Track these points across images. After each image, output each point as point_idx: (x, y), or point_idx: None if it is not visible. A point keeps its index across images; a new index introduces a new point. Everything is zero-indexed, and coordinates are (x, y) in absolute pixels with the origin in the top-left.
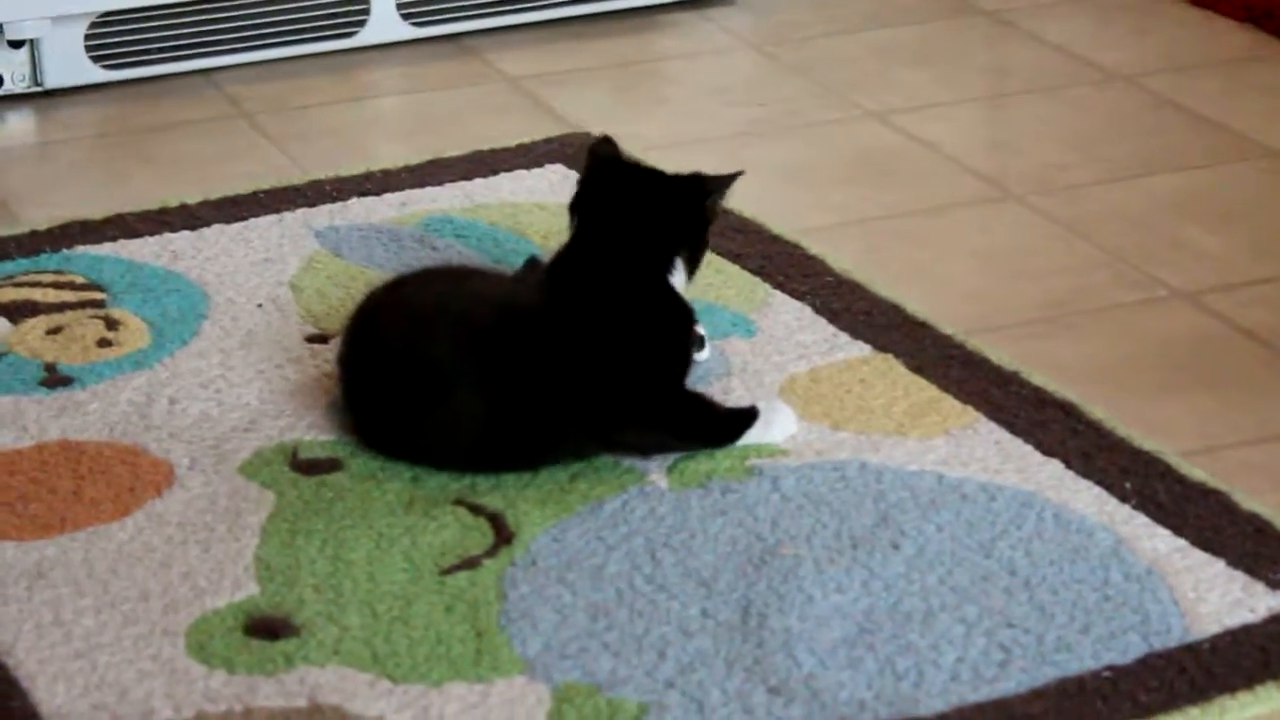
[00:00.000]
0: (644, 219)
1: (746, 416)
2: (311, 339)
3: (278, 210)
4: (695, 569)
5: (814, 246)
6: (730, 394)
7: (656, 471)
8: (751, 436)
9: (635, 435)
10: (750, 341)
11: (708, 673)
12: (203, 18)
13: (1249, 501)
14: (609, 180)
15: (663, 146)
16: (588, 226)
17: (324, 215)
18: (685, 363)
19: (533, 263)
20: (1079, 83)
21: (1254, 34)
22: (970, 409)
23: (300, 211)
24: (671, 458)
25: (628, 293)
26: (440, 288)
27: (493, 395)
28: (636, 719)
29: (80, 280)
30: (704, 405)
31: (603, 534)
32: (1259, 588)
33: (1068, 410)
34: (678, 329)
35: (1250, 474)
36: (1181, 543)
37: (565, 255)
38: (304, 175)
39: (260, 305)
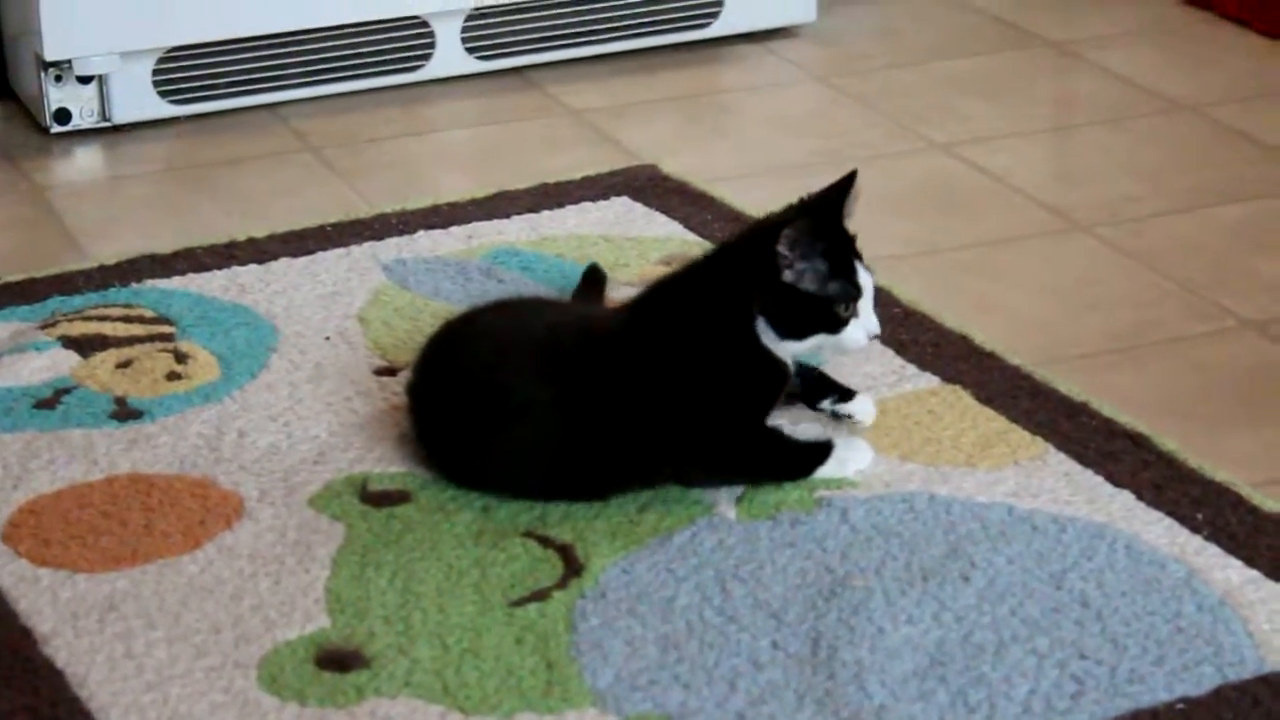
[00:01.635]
0: (720, 257)
1: (821, 451)
2: (380, 371)
3: (344, 244)
4: (765, 601)
5: (881, 278)
6: (798, 426)
7: (725, 503)
8: (826, 471)
9: (706, 470)
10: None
11: (779, 705)
12: (269, 52)
13: None
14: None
15: (727, 178)
16: (684, 264)
17: (391, 248)
18: (758, 407)
19: (592, 271)
20: (1144, 113)
21: None
22: (1039, 440)
23: (367, 245)
24: (741, 489)
25: (701, 330)
26: (516, 318)
27: (568, 423)
28: None
29: (149, 314)
30: (778, 440)
31: (672, 565)
32: None
33: (1138, 441)
34: (750, 374)
35: None
36: (1254, 574)
37: (652, 288)
38: (370, 209)
39: (328, 338)
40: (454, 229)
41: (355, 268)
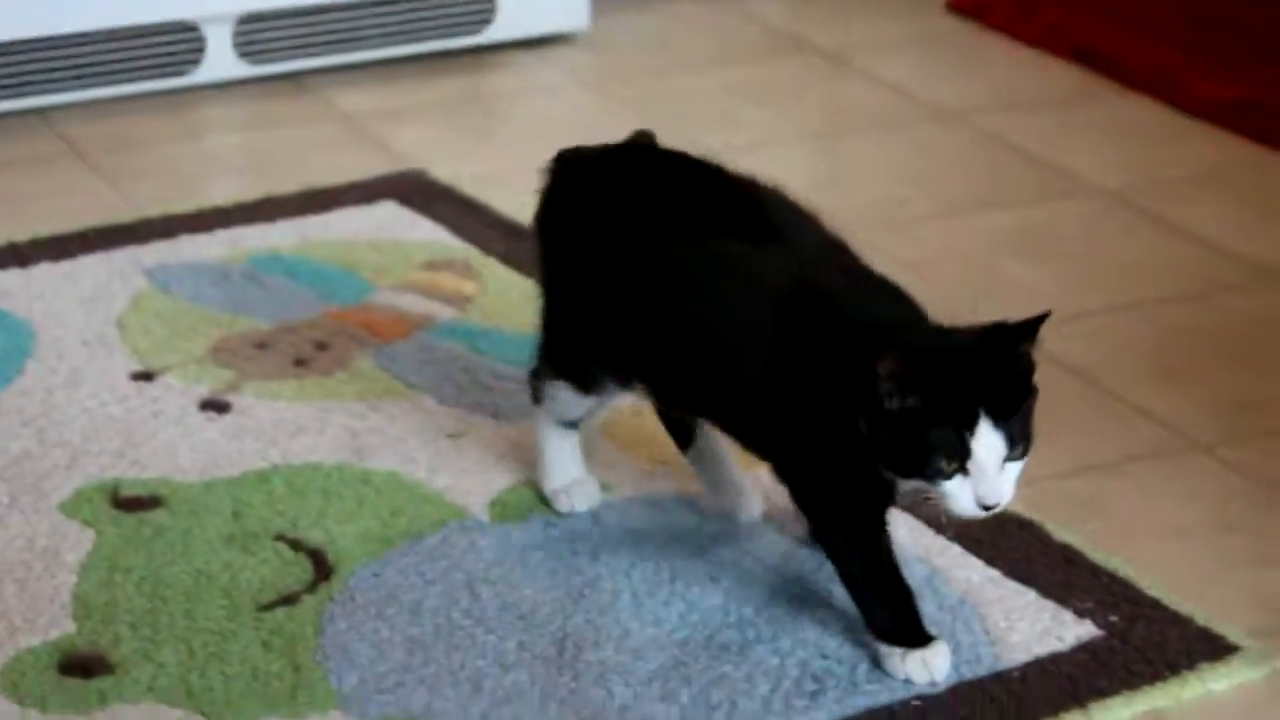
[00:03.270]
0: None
1: (920, 636)
2: (136, 376)
3: (106, 248)
4: (513, 603)
5: None
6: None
7: (478, 506)
8: (908, 665)
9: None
10: None
11: (523, 705)
12: (35, 54)
13: (1061, 532)
14: None
15: (494, 183)
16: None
17: (153, 253)
18: (854, 502)
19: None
20: (912, 120)
21: (1083, 72)
22: None
23: (129, 249)
24: (494, 491)
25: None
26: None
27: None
28: None
29: None
30: (886, 570)
31: (422, 568)
32: (1068, 616)
33: None
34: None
35: (1062, 505)
36: (994, 573)
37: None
38: (135, 213)
39: (86, 343)
40: (218, 233)
41: (116, 272)
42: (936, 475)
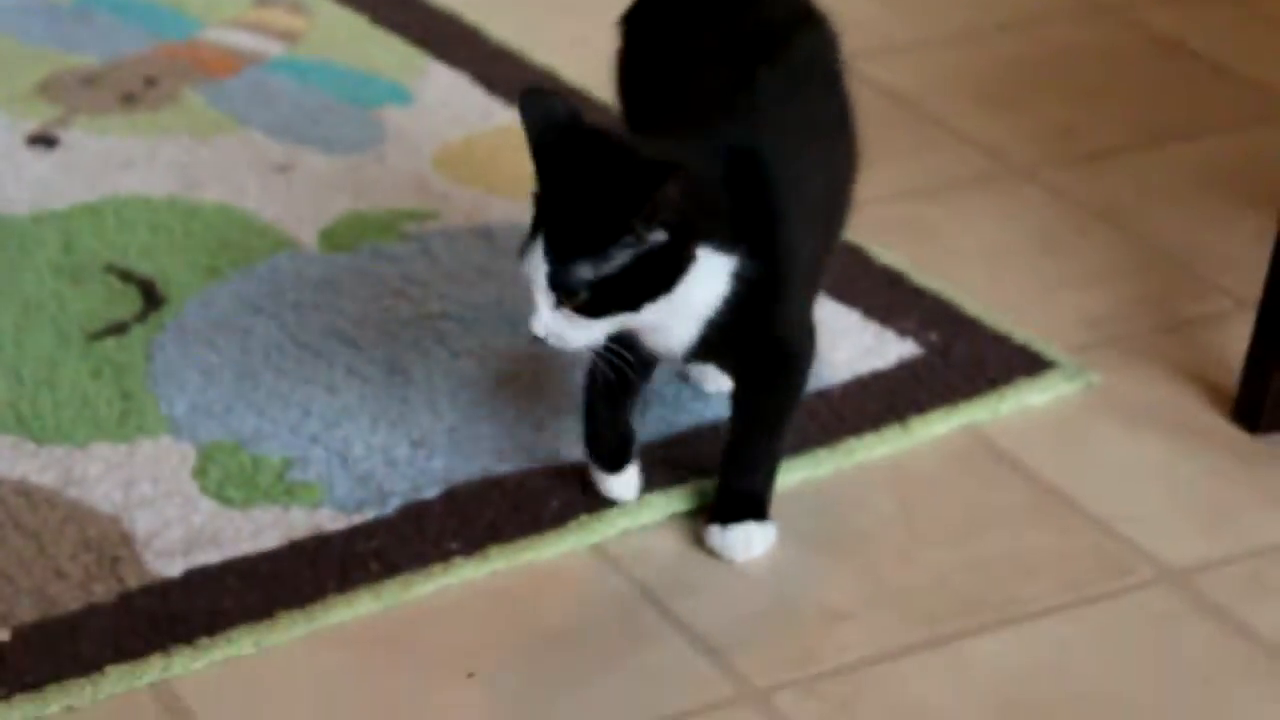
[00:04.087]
0: None
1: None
2: None
3: None
4: (342, 329)
5: (471, 16)
6: (385, 161)
7: (307, 236)
8: (734, 536)
9: None
10: (406, 109)
11: (352, 427)
12: None
13: (884, 255)
14: None
15: None
16: None
17: None
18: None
19: None
20: None
21: None
22: None
23: None
24: (323, 221)
25: None
26: None
27: None
28: (280, 473)
29: None
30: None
31: (252, 297)
32: (890, 336)
33: None
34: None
35: (886, 229)
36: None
37: None
38: None
39: None
40: None
41: None
42: None
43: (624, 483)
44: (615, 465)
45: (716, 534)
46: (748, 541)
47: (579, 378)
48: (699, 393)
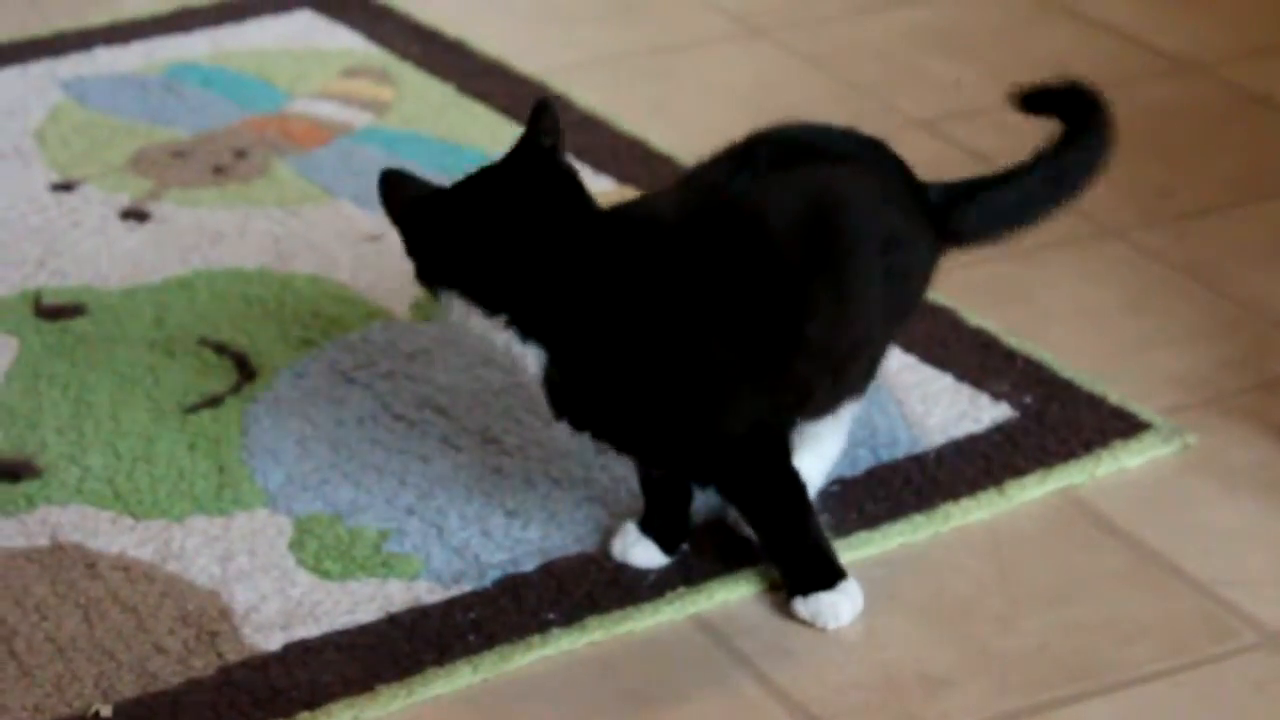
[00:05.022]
0: None
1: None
2: (56, 187)
3: (22, 61)
4: (435, 399)
5: (558, 84)
6: None
7: (399, 306)
8: (817, 605)
9: None
10: None
11: (447, 498)
12: None
13: (975, 318)
14: None
15: None
16: None
17: (69, 66)
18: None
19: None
20: None
21: None
22: None
23: (45, 62)
24: (415, 292)
25: None
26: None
27: None
28: (377, 545)
29: None
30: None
31: (345, 368)
32: (983, 399)
33: None
34: None
35: (977, 292)
36: (911, 359)
37: None
38: (48, 26)
39: (3, 156)
40: (134, 45)
41: (32, 86)
42: None
43: (649, 552)
44: (669, 545)
45: (800, 604)
46: (834, 608)
47: None
48: None
